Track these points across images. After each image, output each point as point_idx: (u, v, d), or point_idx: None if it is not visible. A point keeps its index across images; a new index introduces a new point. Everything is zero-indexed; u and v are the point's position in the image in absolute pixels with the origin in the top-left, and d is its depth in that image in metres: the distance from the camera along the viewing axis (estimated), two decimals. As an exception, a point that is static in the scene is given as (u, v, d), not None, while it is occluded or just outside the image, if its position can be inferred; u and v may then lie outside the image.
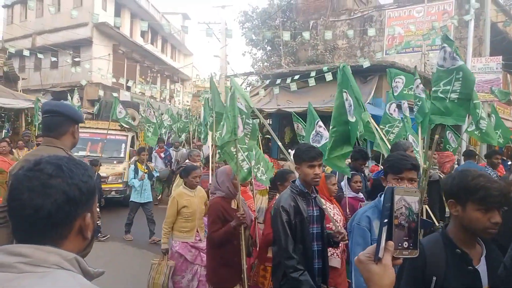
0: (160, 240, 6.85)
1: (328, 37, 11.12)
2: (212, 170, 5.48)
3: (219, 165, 6.83)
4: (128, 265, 5.99)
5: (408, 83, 5.18)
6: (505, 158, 9.51)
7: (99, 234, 6.95)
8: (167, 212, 4.40)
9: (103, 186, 8.65)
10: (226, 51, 17.89)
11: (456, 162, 7.45)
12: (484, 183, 1.61)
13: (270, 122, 12.58)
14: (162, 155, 11.31)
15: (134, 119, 10.95)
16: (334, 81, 10.35)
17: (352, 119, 3.48)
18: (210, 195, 3.76)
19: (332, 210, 3.72)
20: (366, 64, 9.88)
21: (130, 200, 7.33)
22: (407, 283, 1.71)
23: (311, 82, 10.34)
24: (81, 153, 9.72)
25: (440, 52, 3.30)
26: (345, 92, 3.55)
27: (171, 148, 11.88)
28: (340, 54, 16.65)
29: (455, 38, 13.92)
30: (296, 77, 10.81)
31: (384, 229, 0.93)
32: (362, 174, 5.27)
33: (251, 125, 4.15)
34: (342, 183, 4.75)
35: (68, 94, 12.88)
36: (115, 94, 13.92)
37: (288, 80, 10.81)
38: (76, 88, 11.66)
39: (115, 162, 10.05)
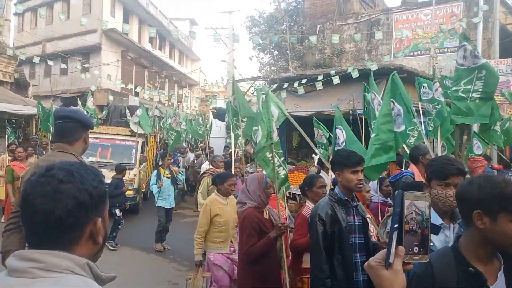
0: (169, 249, 6.84)
1: (335, 41, 11.10)
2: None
3: (239, 171, 6.81)
4: (136, 269, 6.02)
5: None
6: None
7: (111, 241, 6.89)
8: (200, 221, 4.13)
9: None
10: (234, 56, 17.98)
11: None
12: None
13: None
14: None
15: None
16: (341, 84, 10.39)
17: (398, 129, 3.41)
18: (238, 205, 3.51)
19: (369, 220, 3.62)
20: (373, 67, 9.82)
21: (157, 205, 7.12)
22: None
23: (319, 86, 10.31)
24: (91, 159, 9.72)
25: (460, 51, 3.20)
26: (393, 101, 3.45)
27: (177, 154, 11.83)
28: (347, 57, 16.62)
29: (464, 40, 13.82)
30: (304, 81, 10.79)
31: (395, 234, 0.93)
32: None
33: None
34: (372, 188, 4.61)
35: (78, 99, 12.99)
36: (124, 99, 14.01)
37: (295, 84, 10.79)
38: (90, 91, 11.63)
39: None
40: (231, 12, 17.94)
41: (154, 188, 7.12)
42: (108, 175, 7.33)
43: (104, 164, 9.27)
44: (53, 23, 20.85)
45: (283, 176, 3.58)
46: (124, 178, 9.43)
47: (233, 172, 5.55)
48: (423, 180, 2.76)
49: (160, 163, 7.89)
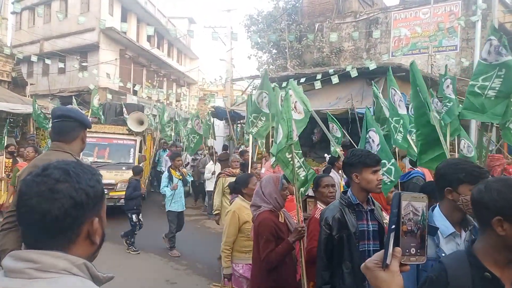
0: (179, 256, 6.63)
1: (333, 39, 11.11)
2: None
3: (256, 171, 6.65)
4: (134, 269, 6.01)
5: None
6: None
7: (131, 247, 6.80)
8: (227, 231, 3.73)
9: (110, 193, 8.46)
10: (232, 55, 17.95)
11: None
12: None
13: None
14: None
15: (142, 122, 10.55)
16: (340, 83, 10.39)
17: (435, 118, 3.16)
18: (251, 209, 3.28)
19: None
20: (372, 66, 9.84)
21: (168, 210, 6.83)
22: None
23: (317, 84, 10.32)
24: (89, 158, 9.54)
25: (486, 45, 3.09)
26: (418, 89, 3.24)
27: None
28: (346, 56, 16.62)
29: (462, 39, 13.84)
30: (302, 80, 10.80)
31: (392, 235, 0.93)
32: None
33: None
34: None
35: (74, 98, 12.91)
36: (122, 97, 13.95)
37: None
38: (95, 89, 11.40)
39: (123, 168, 9.48)
40: (229, 10, 17.90)
41: (167, 191, 6.75)
42: (106, 176, 7.18)
43: (101, 164, 9.11)
44: (51, 21, 20.79)
45: (302, 178, 3.42)
46: (122, 179, 9.10)
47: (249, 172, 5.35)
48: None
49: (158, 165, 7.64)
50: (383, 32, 15.20)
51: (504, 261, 1.42)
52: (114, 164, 9.43)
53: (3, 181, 7.69)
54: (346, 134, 7.26)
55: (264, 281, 3.02)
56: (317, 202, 3.68)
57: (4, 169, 7.71)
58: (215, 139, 11.10)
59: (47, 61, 13.06)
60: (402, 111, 4.43)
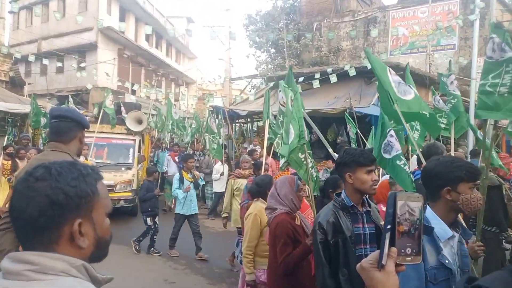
0: (207, 259, 6.48)
1: (331, 37, 11.10)
2: None
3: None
4: (132, 268, 6.00)
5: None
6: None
7: (152, 248, 6.73)
8: (249, 235, 3.60)
9: (110, 195, 8.36)
10: (230, 54, 17.94)
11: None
12: None
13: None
14: (176, 159, 10.94)
15: (141, 122, 10.34)
16: (338, 82, 10.37)
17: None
18: (266, 212, 3.19)
19: None
20: (370, 65, 9.83)
21: (176, 212, 6.71)
22: None
23: (316, 84, 10.31)
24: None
25: (489, 43, 3.08)
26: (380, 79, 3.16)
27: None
28: (344, 55, 16.63)
29: (460, 38, 13.85)
30: (300, 79, 10.78)
31: (387, 235, 0.92)
32: None
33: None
34: None
35: (70, 97, 12.78)
36: (120, 97, 13.90)
37: (293, 82, 10.77)
38: (107, 89, 11.04)
39: (123, 168, 9.28)
40: (228, 10, 17.90)
41: (179, 194, 6.55)
42: (105, 177, 7.02)
43: (100, 164, 8.85)
44: (48, 21, 20.74)
45: (315, 179, 3.36)
46: (121, 180, 8.94)
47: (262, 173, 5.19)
48: None
49: (154, 167, 7.42)
50: (381, 31, 15.20)
51: None
52: (113, 165, 9.21)
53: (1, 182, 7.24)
54: (360, 134, 7.23)
55: (281, 286, 2.94)
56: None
57: (3, 171, 7.30)
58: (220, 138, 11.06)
59: (45, 61, 12.98)
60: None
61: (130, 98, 19.12)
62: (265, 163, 5.85)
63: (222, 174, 8.90)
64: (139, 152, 10.15)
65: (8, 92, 13.66)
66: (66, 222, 0.93)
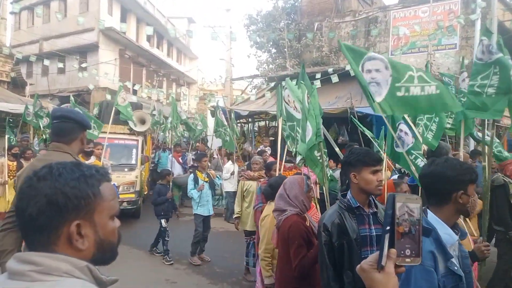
0: (209, 260, 6.43)
1: (332, 37, 11.09)
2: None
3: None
4: (134, 268, 6.00)
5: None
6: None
7: (155, 248, 6.68)
8: (267, 237, 3.46)
9: None
10: (231, 54, 17.94)
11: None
12: None
13: (276, 125, 12.56)
14: (180, 159, 10.85)
15: (144, 122, 10.21)
16: (339, 82, 10.39)
17: None
18: (275, 214, 3.10)
19: None
20: (371, 65, 9.82)
21: (195, 213, 6.52)
22: None
23: (317, 84, 10.32)
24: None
25: (479, 46, 3.16)
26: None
27: (187, 154, 11.43)
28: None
29: (461, 37, 13.83)
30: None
31: (387, 236, 0.93)
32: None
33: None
34: None
35: (71, 96, 12.76)
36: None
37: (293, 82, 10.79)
38: (120, 86, 10.82)
39: (126, 169, 9.11)
40: (228, 10, 17.90)
41: (194, 194, 6.42)
42: None
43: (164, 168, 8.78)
44: (50, 21, 20.76)
45: (330, 178, 3.33)
46: (124, 181, 8.75)
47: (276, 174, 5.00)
48: None
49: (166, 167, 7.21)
50: (383, 31, 15.19)
51: None
52: (115, 166, 8.97)
53: (6, 185, 7.20)
54: (372, 134, 7.22)
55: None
56: None
57: (8, 172, 7.22)
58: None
59: (46, 62, 12.99)
60: None
61: (131, 99, 19.13)
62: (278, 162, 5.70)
63: (232, 173, 8.83)
64: (142, 152, 9.98)
65: (10, 93, 13.69)
66: (65, 223, 0.93)
